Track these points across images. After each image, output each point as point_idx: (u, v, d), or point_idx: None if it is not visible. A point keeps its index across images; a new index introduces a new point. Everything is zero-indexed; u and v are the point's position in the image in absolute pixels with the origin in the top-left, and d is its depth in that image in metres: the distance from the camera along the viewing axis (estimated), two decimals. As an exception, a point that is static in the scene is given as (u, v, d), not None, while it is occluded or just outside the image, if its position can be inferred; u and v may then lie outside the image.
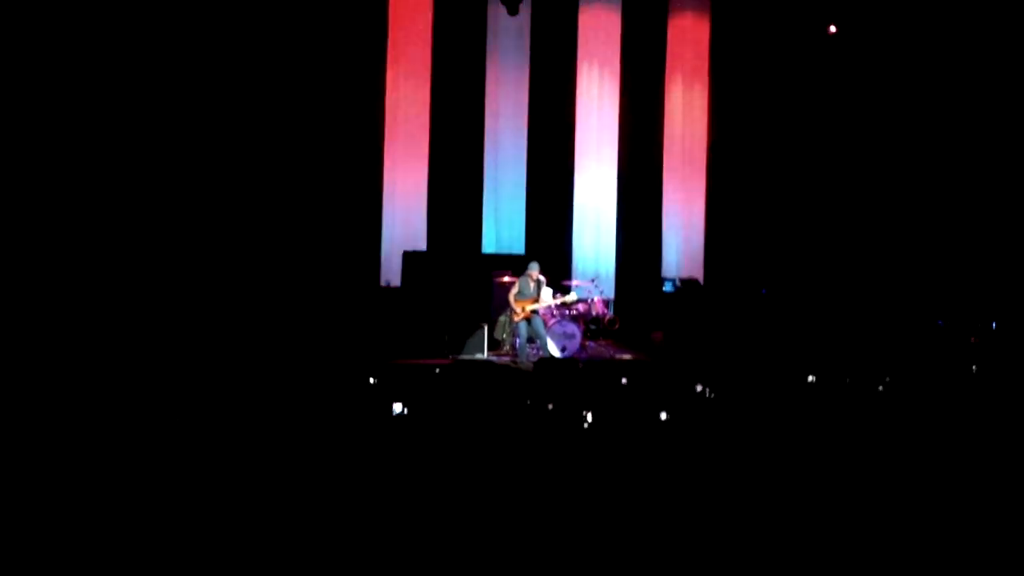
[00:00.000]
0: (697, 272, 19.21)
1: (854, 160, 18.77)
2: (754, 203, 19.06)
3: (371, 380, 10.16)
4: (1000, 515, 5.78)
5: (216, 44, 15.75)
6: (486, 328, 15.76)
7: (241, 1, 16.02)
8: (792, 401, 9.72)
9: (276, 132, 16.22)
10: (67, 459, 6.65)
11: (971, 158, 18.40)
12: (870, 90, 18.66)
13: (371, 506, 5.87)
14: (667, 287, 18.56)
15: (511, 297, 14.96)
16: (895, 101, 18.58)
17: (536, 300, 14.80)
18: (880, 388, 10.39)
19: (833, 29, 18.51)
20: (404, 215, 17.34)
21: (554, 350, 14.84)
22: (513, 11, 17.92)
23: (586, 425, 8.17)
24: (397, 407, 8.27)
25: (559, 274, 16.88)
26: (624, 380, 11.22)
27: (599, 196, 19.00)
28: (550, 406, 8.71)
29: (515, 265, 16.25)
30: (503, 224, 18.29)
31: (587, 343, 15.90)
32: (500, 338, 16.04)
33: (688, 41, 19.38)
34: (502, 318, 15.94)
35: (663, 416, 8.42)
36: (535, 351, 14.98)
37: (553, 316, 15.29)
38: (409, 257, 16.47)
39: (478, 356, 15.46)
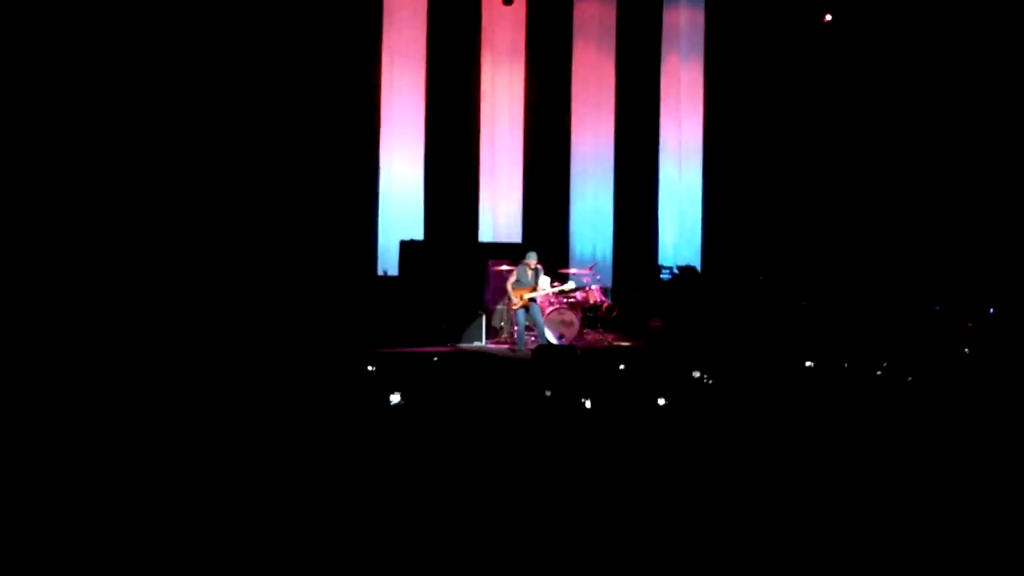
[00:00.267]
0: (695, 259, 19.21)
1: (852, 146, 18.76)
2: (751, 190, 19.05)
3: (368, 368, 10.18)
4: (998, 501, 5.79)
5: (210, 31, 15.70)
6: (484, 316, 15.76)
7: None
8: (790, 387, 9.73)
9: (271, 122, 16.18)
10: (60, 440, 6.65)
11: (969, 143, 18.39)
12: (868, 74, 18.64)
13: (369, 494, 5.87)
14: (664, 275, 18.56)
15: (509, 285, 14.96)
16: (893, 85, 18.56)
17: (534, 288, 14.80)
18: (878, 373, 10.41)
19: (828, 17, 18.49)
20: (401, 204, 17.31)
21: (552, 338, 14.85)
22: (508, 0, 17.94)
23: (584, 411, 8.18)
24: (395, 397, 8.28)
25: (556, 262, 16.87)
26: (622, 367, 11.24)
27: (596, 184, 18.99)
28: (548, 393, 8.72)
29: (512, 254, 16.24)
30: (500, 213, 18.28)
31: (585, 331, 15.90)
32: (498, 326, 16.05)
33: (684, 28, 19.36)
34: (500, 306, 15.95)
35: (661, 402, 8.43)
36: (533, 339, 14.99)
37: (551, 304, 15.29)
38: (406, 246, 16.46)
39: (476, 344, 15.47)
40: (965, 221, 18.23)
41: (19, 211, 14.20)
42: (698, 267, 19.02)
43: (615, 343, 16.15)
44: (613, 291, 17.94)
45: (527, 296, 14.76)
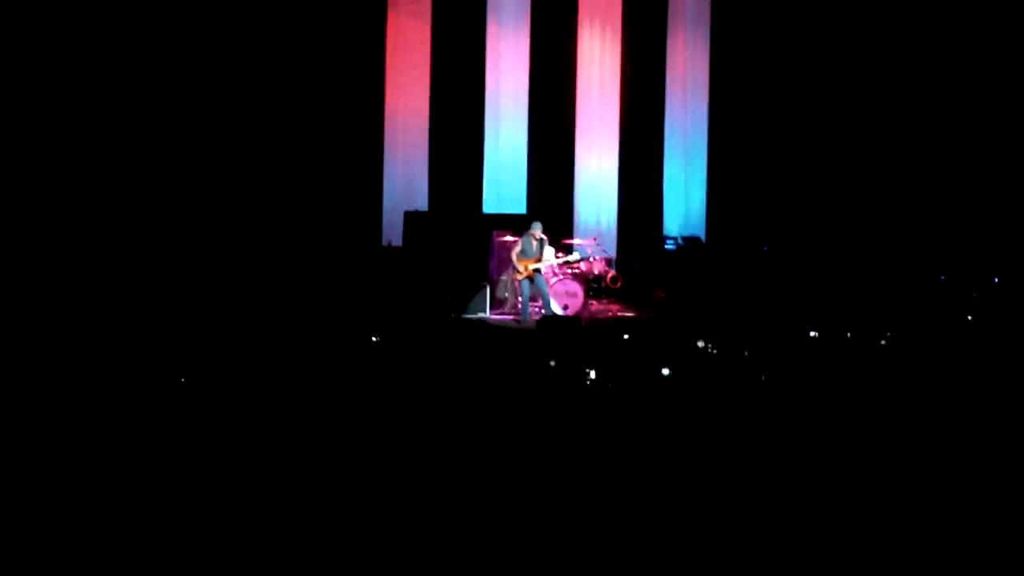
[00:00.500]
0: (699, 230, 19.19)
1: (857, 116, 18.69)
2: (756, 160, 19.00)
3: (373, 339, 10.21)
4: (1000, 474, 5.81)
5: (215, 9, 15.66)
6: (488, 287, 15.79)
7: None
8: (794, 356, 9.75)
9: (277, 96, 16.16)
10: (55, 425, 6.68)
11: (974, 116, 18.33)
12: (874, 48, 18.54)
13: (374, 469, 5.90)
14: (669, 245, 18.54)
15: (514, 256, 14.97)
16: (899, 59, 18.47)
17: (539, 259, 14.81)
18: (882, 343, 10.43)
19: None
20: (405, 175, 17.30)
21: (556, 308, 14.87)
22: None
23: (589, 382, 8.21)
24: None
25: (561, 233, 16.87)
26: (626, 336, 11.27)
27: (601, 155, 18.94)
28: (552, 363, 8.75)
29: (517, 225, 16.24)
30: (504, 184, 18.25)
31: (589, 302, 15.92)
32: (503, 297, 16.08)
33: (690, 4, 19.24)
34: (504, 277, 15.97)
35: (665, 372, 8.46)
36: (538, 310, 15.02)
37: (555, 275, 15.31)
38: (411, 217, 16.46)
39: (480, 315, 15.50)
40: (970, 192, 18.19)
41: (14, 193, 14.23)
42: (703, 238, 19.00)
43: (619, 314, 16.16)
44: (617, 262, 17.93)
45: (531, 267, 14.76)
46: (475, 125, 18.06)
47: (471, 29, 17.93)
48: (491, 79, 18.15)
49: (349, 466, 5.87)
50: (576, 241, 16.90)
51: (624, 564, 4.76)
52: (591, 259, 16.38)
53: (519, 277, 14.87)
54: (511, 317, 15.36)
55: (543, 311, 14.70)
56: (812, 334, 11.33)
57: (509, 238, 15.90)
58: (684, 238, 18.57)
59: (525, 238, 14.94)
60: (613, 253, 18.18)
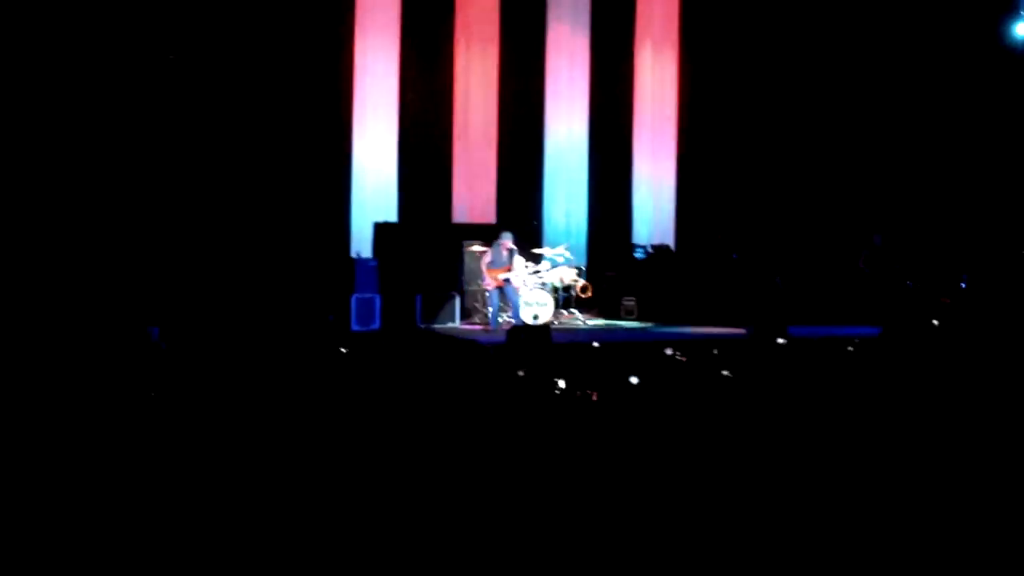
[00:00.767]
0: (669, 238, 19.24)
1: (825, 125, 18.79)
2: (725, 169, 19.07)
3: (342, 350, 10.15)
4: (975, 476, 5.83)
5: (175, 8, 15.51)
6: (458, 297, 15.78)
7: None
8: (763, 363, 9.77)
9: (242, 105, 16.05)
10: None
11: (940, 121, 18.46)
12: (840, 53, 18.66)
13: (340, 476, 5.86)
14: (638, 254, 18.58)
15: (483, 266, 14.97)
16: (865, 64, 18.58)
17: (508, 269, 14.81)
18: (849, 348, 10.47)
19: None
20: (374, 186, 17.23)
21: (526, 318, 14.87)
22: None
23: (558, 391, 8.19)
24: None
25: (530, 243, 16.86)
26: (596, 344, 11.27)
27: (570, 164, 18.98)
28: (521, 373, 8.73)
29: (486, 234, 16.24)
30: (474, 194, 18.22)
31: (559, 311, 15.93)
32: (472, 307, 16.08)
33: (658, 4, 19.31)
34: (474, 287, 15.97)
35: (634, 380, 8.45)
36: (507, 319, 15.02)
37: (525, 284, 15.31)
38: (380, 228, 16.42)
39: (450, 325, 15.49)
40: (938, 196, 18.31)
41: None
42: (672, 246, 19.05)
43: (589, 322, 16.19)
44: (587, 271, 17.95)
45: (501, 277, 14.77)
46: (444, 135, 18.03)
47: (439, 38, 17.92)
48: (460, 88, 18.13)
49: (311, 476, 5.82)
50: (546, 251, 16.91)
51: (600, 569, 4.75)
52: (561, 268, 16.40)
53: (489, 287, 14.88)
54: (480, 327, 15.35)
55: (513, 320, 14.70)
56: (780, 341, 11.37)
57: (478, 248, 15.89)
58: (653, 246, 18.60)
59: (495, 248, 14.95)
60: (583, 262, 18.20)
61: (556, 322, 15.32)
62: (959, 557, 4.67)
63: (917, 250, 16.93)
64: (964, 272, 16.25)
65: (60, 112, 14.69)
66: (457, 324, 15.60)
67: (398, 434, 6.75)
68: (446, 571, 4.71)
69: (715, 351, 10.30)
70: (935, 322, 12.15)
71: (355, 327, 14.88)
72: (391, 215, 17.04)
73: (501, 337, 13.44)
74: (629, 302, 17.12)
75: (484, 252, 15.24)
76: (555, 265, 16.13)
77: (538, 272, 15.49)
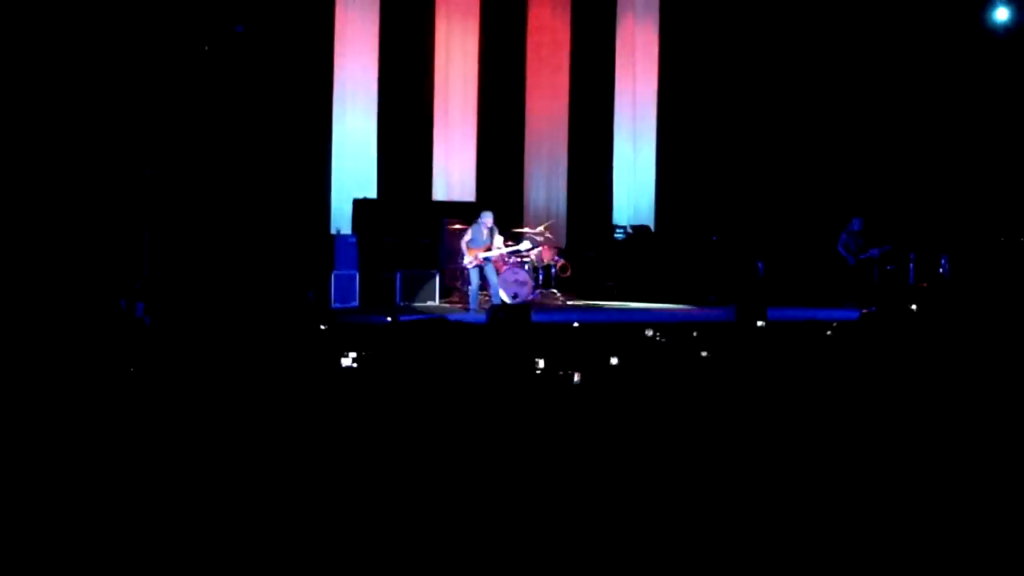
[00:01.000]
0: (648, 219, 19.25)
1: (806, 107, 18.81)
2: (705, 150, 19.07)
3: (322, 328, 10.13)
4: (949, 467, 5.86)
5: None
6: (438, 276, 15.75)
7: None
8: (742, 345, 9.81)
9: (220, 79, 15.91)
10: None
11: (920, 104, 18.51)
12: (822, 36, 18.66)
13: (323, 460, 5.85)
14: (619, 234, 18.59)
15: (463, 244, 14.95)
16: (847, 48, 18.59)
17: (488, 248, 14.80)
18: (828, 332, 10.51)
19: None
20: (354, 163, 17.11)
21: (505, 297, 14.86)
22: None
23: (538, 371, 8.19)
24: (347, 360, 8.24)
25: (511, 222, 16.84)
26: (576, 324, 11.29)
27: (551, 144, 18.95)
28: (501, 352, 8.73)
29: (466, 213, 16.20)
30: (454, 171, 18.16)
31: (539, 290, 15.93)
32: (452, 286, 16.06)
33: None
34: (454, 265, 15.95)
35: (614, 361, 8.46)
36: (487, 298, 15.01)
37: (505, 263, 15.29)
38: (360, 205, 16.34)
39: (430, 304, 15.47)
40: (921, 180, 18.38)
41: None
42: (652, 227, 19.07)
43: (569, 303, 16.19)
44: (567, 251, 17.95)
45: (481, 255, 14.74)
46: (424, 112, 17.93)
47: (419, 14, 17.80)
48: (440, 65, 18.03)
49: (294, 463, 5.81)
50: (526, 230, 16.89)
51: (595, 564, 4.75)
52: (541, 248, 16.39)
53: (469, 266, 14.86)
54: (460, 306, 15.34)
55: (492, 300, 14.69)
56: (759, 324, 11.42)
57: (458, 226, 15.86)
58: (633, 227, 18.62)
59: (475, 227, 14.92)
60: (563, 242, 18.20)
61: (535, 299, 15.32)
62: (938, 539, 4.69)
63: (897, 234, 16.97)
64: (943, 256, 16.31)
65: (31, 89, 14.55)
66: (437, 303, 15.57)
67: (378, 415, 6.74)
68: (429, 551, 4.70)
69: (695, 333, 10.35)
70: (913, 306, 12.22)
71: (336, 304, 14.84)
72: (371, 191, 16.95)
73: (481, 316, 13.46)
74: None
75: (464, 230, 15.21)
76: (535, 245, 16.13)
77: (518, 251, 15.46)
